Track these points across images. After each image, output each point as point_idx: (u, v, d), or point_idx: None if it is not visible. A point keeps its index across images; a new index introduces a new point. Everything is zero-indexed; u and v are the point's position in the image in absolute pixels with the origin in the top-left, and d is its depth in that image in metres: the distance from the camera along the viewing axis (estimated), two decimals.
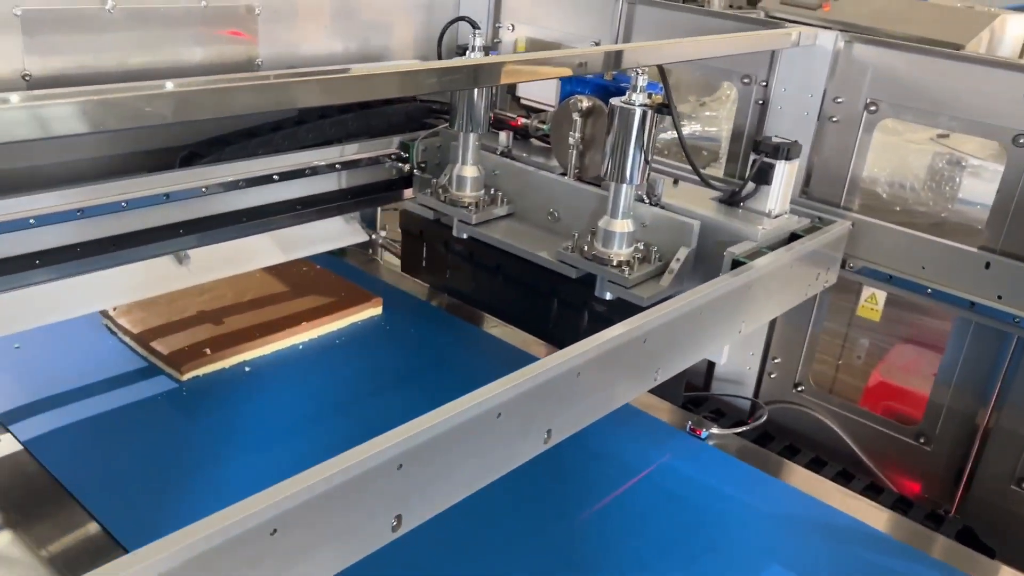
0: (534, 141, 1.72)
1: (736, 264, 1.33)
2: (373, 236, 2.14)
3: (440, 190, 1.65)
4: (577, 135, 1.54)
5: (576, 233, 1.47)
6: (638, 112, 1.33)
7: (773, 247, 1.40)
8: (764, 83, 1.64)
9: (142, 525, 1.10)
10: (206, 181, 1.49)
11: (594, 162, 1.55)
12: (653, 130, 1.35)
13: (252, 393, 1.44)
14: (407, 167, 1.77)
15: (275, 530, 0.71)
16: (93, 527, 1.12)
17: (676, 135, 1.46)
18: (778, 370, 1.75)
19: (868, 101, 1.53)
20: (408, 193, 1.82)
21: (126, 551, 0.80)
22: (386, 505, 0.81)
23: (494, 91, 1.59)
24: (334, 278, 1.80)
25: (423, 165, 1.76)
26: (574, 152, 1.55)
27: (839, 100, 1.56)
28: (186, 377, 1.44)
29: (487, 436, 0.90)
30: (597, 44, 1.84)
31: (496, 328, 1.72)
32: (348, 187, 1.74)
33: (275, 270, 1.78)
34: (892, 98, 1.51)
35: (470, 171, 1.63)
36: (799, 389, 1.74)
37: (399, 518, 0.83)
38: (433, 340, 1.65)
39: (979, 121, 1.43)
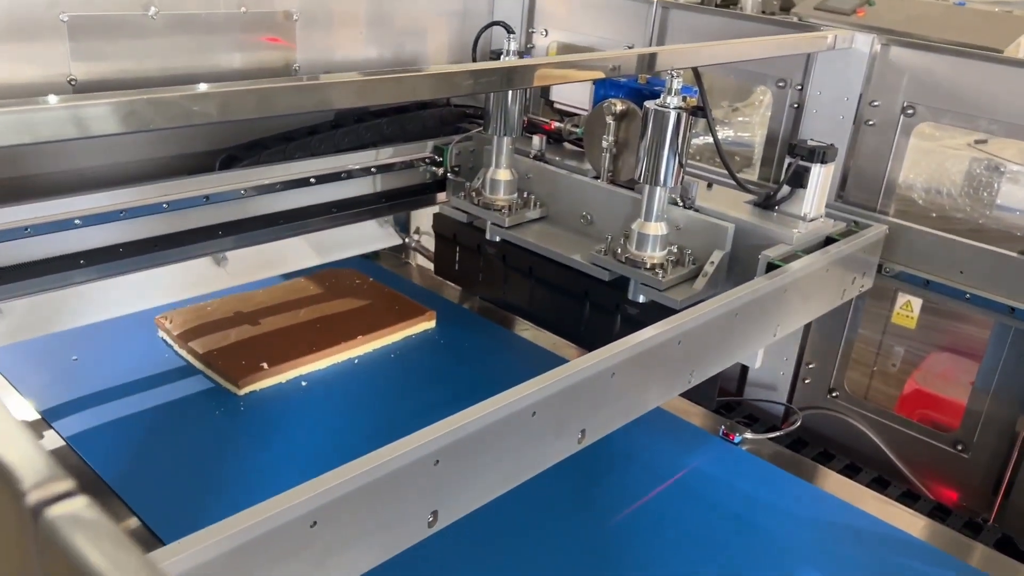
0: (567, 145, 1.72)
1: (771, 267, 1.32)
2: (406, 239, 2.16)
3: (473, 193, 1.67)
4: (611, 138, 1.54)
5: (609, 236, 1.48)
6: (672, 115, 1.33)
7: (808, 251, 1.40)
8: (799, 87, 1.63)
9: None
10: (245, 183, 1.52)
11: (627, 165, 1.55)
12: (687, 133, 1.35)
13: (307, 407, 1.42)
14: (441, 171, 1.78)
15: (315, 522, 0.72)
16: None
17: (710, 139, 1.46)
18: (812, 375, 1.74)
19: (905, 104, 1.51)
20: (442, 196, 1.84)
21: None
22: (423, 500, 0.82)
23: (527, 95, 1.60)
24: (387, 291, 1.75)
25: (457, 169, 1.78)
26: (607, 155, 1.56)
27: (875, 104, 1.55)
28: (244, 392, 1.42)
29: (522, 434, 0.90)
30: (631, 48, 1.85)
31: (544, 339, 1.69)
32: (383, 190, 1.76)
33: (327, 282, 1.76)
34: (930, 101, 1.49)
35: (503, 175, 1.64)
36: (834, 395, 1.73)
37: (435, 514, 0.84)
38: (487, 353, 1.62)
39: (1019, 124, 1.41)
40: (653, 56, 1.15)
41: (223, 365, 1.44)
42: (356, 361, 1.55)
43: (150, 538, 1.12)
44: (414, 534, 0.83)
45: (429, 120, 1.81)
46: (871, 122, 1.56)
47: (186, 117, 0.70)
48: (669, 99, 1.34)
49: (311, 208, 1.64)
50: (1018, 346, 1.48)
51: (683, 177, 1.41)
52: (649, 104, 1.36)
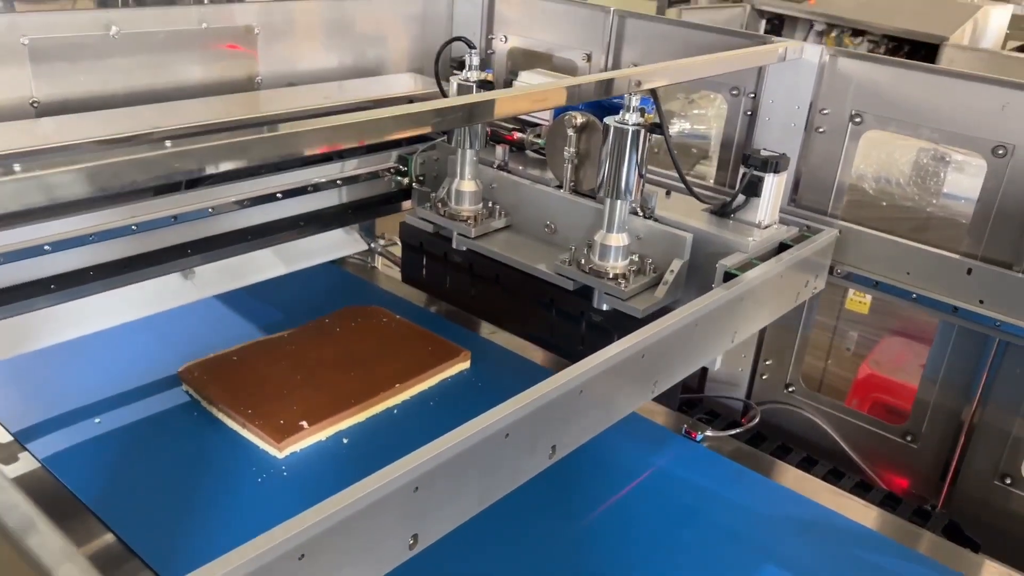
0: (530, 154, 1.76)
1: (728, 276, 1.38)
2: (372, 245, 2.18)
3: (439, 204, 1.70)
4: (572, 150, 1.58)
5: (573, 246, 1.52)
6: (631, 131, 1.38)
7: (764, 257, 1.46)
8: (752, 95, 1.69)
9: None
10: (212, 202, 1.53)
11: (588, 175, 1.59)
12: (646, 147, 1.40)
13: (351, 467, 1.32)
14: (406, 180, 1.81)
15: (303, 555, 0.76)
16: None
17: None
18: (769, 371, 1.81)
19: (853, 113, 1.58)
20: (407, 205, 1.87)
21: None
22: (404, 525, 0.86)
23: None
24: (416, 329, 1.66)
25: (421, 178, 1.81)
26: (569, 166, 1.60)
27: (825, 112, 1.61)
28: (284, 454, 1.32)
29: (496, 456, 0.95)
30: (588, 55, 1.89)
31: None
32: (348, 201, 1.79)
33: (352, 322, 1.67)
34: (876, 110, 1.56)
35: (468, 185, 1.67)
36: (790, 389, 1.80)
37: (415, 537, 0.88)
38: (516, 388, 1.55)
39: (959, 133, 1.48)
40: (610, 82, 1.19)
41: (261, 424, 1.35)
42: (396, 411, 1.46)
43: (130, 556, 1.14)
44: (396, 557, 0.87)
45: None
46: (821, 129, 1.62)
47: (167, 173, 0.72)
48: (628, 116, 1.38)
49: (278, 223, 1.66)
50: (962, 341, 1.56)
51: (643, 188, 1.45)
52: (609, 121, 1.40)
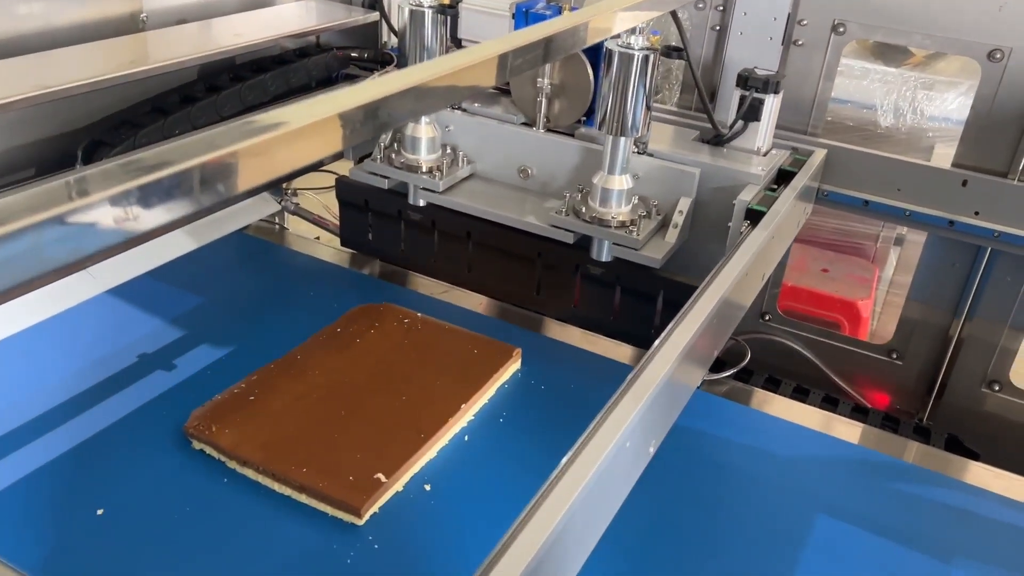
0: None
1: (753, 214, 1.25)
2: (282, 202, 1.90)
3: (392, 154, 1.46)
4: (546, 80, 1.38)
5: (568, 193, 1.34)
6: (639, 56, 1.20)
7: (772, 189, 1.34)
8: (720, 7, 1.54)
9: None
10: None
11: (565, 110, 1.41)
12: (655, 75, 1.23)
13: (446, 522, 1.05)
14: None
15: None
16: None
17: None
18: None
19: (835, 22, 1.47)
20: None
21: None
22: None
23: (447, 33, 1.39)
24: (450, 329, 1.38)
25: None
26: (543, 100, 1.40)
27: (804, 23, 1.49)
28: (365, 519, 1.03)
29: (618, 471, 0.79)
30: None
31: (611, 349, 1.44)
32: None
33: (370, 327, 1.36)
34: (860, 18, 1.46)
35: (426, 130, 1.44)
36: (766, 318, 1.73)
37: None
38: (582, 388, 1.31)
39: (953, 38, 1.40)
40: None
41: (327, 486, 1.03)
42: (467, 438, 1.19)
43: None
44: None
45: (314, 69, 1.56)
46: (800, 42, 1.50)
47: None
48: (633, 39, 1.20)
49: None
50: (951, 256, 1.53)
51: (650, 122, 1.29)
52: (611, 45, 1.21)
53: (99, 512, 1.01)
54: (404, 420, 1.15)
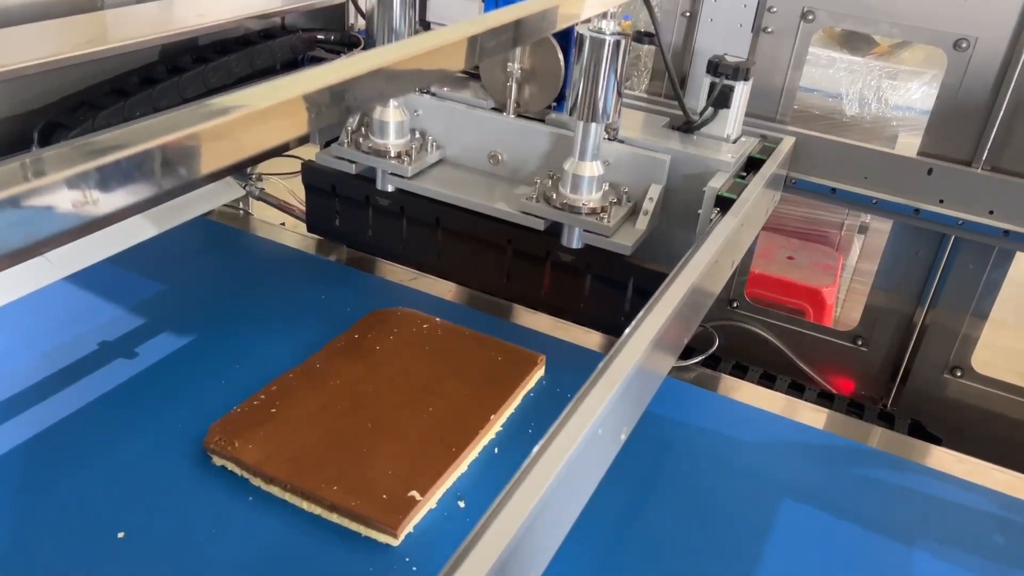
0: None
1: (722, 201, 1.25)
2: (246, 187, 1.87)
3: (359, 139, 1.43)
4: (516, 65, 1.37)
5: (538, 179, 1.33)
6: (610, 42, 1.19)
7: (740, 176, 1.34)
8: None
9: None
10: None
11: (536, 95, 1.39)
12: (626, 60, 1.22)
13: None
14: None
15: None
16: None
17: None
18: None
19: (805, 10, 1.47)
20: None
21: None
22: None
23: (415, 16, 1.37)
24: (471, 335, 1.33)
25: None
26: (513, 84, 1.39)
27: (773, 9, 1.49)
28: (401, 539, 0.99)
29: (591, 460, 0.78)
30: None
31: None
32: None
33: (388, 334, 1.31)
34: (829, 5, 1.46)
35: (394, 114, 1.42)
36: (734, 306, 1.74)
37: None
38: None
39: (919, 27, 1.41)
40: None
41: (361, 505, 0.99)
42: (496, 450, 1.15)
43: None
44: None
45: (280, 51, 1.52)
46: (769, 29, 1.51)
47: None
48: (604, 23, 1.19)
49: None
50: (916, 244, 1.55)
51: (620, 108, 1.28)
52: (583, 30, 1.20)
53: (119, 535, 0.96)
54: (433, 433, 1.12)
